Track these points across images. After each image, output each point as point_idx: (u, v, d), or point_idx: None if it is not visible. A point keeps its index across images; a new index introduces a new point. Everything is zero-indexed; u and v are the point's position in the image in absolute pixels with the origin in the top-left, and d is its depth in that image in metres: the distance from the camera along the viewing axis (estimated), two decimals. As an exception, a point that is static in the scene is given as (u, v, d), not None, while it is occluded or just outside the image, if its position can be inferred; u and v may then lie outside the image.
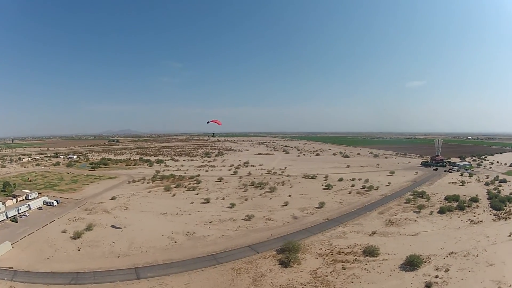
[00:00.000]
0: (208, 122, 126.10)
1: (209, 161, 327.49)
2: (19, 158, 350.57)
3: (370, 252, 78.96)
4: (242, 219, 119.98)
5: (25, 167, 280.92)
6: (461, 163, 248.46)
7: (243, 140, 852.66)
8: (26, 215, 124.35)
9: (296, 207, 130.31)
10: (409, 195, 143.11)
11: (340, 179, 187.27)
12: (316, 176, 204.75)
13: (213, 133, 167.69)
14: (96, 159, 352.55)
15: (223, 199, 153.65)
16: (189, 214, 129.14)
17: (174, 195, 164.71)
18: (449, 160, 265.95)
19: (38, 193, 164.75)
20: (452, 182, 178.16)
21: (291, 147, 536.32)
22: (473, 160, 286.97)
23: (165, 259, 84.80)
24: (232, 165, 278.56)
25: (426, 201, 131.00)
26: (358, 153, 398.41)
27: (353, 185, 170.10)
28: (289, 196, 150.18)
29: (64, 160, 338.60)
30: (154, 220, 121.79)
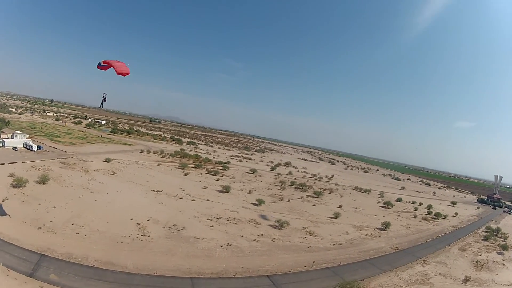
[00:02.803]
0: (99, 66, 43.38)
1: (246, 154, 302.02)
2: (43, 111, 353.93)
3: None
4: (270, 225, 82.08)
5: (42, 119, 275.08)
6: None
7: (287, 146, 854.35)
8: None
9: (350, 223, 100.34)
10: (483, 231, 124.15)
11: (399, 200, 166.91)
12: (370, 191, 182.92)
13: (104, 98, 46.65)
14: (125, 128, 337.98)
15: (250, 192, 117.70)
16: (193, 200, 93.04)
17: (186, 174, 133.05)
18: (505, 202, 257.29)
19: (29, 136, 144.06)
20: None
21: (337, 161, 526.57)
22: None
23: (101, 261, 48.34)
24: (271, 162, 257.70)
25: (503, 241, 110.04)
26: (409, 179, 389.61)
27: (415, 209, 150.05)
28: (340, 206, 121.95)
29: (89, 122, 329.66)
30: (138, 196, 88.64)
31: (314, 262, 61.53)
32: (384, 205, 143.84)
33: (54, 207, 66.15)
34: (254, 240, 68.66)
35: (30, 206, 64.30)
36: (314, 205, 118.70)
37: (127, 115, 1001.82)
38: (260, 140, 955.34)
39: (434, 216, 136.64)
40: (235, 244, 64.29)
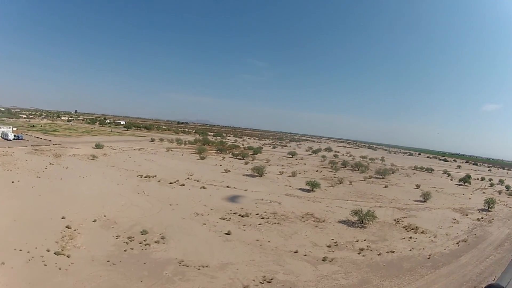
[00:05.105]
0: None
1: (281, 142, 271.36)
2: (58, 116, 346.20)
3: None
4: (341, 222, 46.75)
5: (52, 121, 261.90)
6: None
7: (320, 138, 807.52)
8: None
9: (447, 207, 71.90)
10: None
11: (468, 176, 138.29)
12: (433, 170, 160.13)
13: None
14: (143, 124, 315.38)
15: (293, 175, 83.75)
16: (202, 187, 58.52)
17: (202, 158, 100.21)
18: None
19: (16, 129, 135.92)
20: None
21: (375, 147, 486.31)
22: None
23: None
24: (310, 148, 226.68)
25: None
26: (454, 160, 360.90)
27: (492, 185, 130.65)
28: (417, 187, 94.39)
29: (103, 121, 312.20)
30: (110, 182, 56.38)
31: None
32: (461, 183, 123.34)
33: None
34: (323, 260, 31.85)
35: None
36: (385, 187, 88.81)
37: (153, 120, 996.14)
38: (291, 134, 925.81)
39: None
40: (282, 277, 27.44)
